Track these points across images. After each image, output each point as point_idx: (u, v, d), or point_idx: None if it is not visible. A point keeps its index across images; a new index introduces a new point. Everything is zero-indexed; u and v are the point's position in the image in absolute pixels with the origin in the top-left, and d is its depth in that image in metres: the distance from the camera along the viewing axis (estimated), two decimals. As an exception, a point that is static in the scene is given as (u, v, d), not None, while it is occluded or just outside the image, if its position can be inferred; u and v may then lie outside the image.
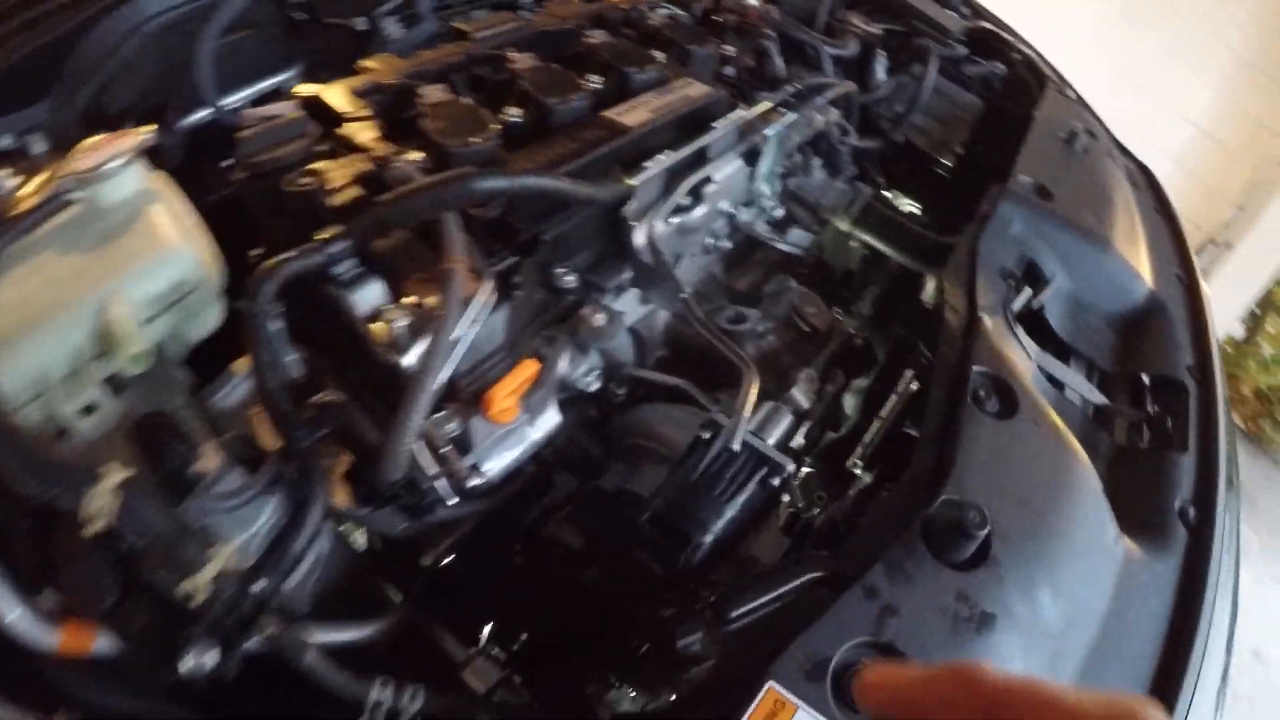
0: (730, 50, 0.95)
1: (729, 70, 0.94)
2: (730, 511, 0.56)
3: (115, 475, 0.42)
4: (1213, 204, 3.66)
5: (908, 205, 1.58)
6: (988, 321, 0.73)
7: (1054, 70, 1.67)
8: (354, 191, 0.58)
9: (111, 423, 0.52)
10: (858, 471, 0.77)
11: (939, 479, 0.52)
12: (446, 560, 0.65)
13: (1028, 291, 0.87)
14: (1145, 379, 0.88)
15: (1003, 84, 1.52)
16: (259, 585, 0.44)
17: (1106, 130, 1.59)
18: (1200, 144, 3.69)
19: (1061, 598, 0.53)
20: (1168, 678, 0.58)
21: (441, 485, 0.52)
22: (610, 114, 0.71)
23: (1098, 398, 0.83)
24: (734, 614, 0.46)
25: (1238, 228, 3.44)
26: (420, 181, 0.52)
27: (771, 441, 0.63)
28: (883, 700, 0.31)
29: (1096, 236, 0.98)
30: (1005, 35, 1.66)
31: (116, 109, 0.88)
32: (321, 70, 1.03)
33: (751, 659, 0.42)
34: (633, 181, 0.64)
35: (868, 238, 1.05)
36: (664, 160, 0.68)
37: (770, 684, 0.40)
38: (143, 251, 0.54)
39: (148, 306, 0.53)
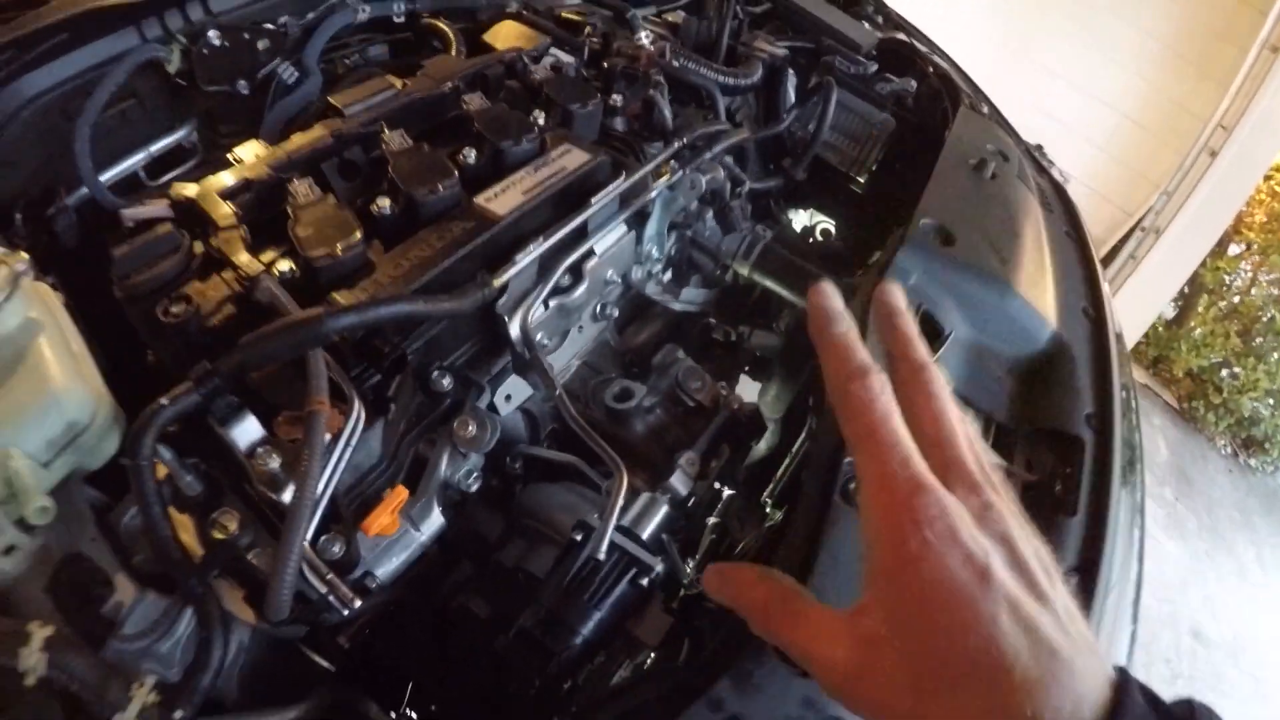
0: (618, 100, 1.01)
1: (618, 122, 1.01)
2: (599, 614, 0.65)
3: (40, 633, 0.50)
4: (1140, 189, 4.01)
5: (822, 223, 1.66)
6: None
7: (968, 82, 1.76)
8: (225, 314, 0.65)
9: (31, 559, 0.59)
10: (768, 509, 0.86)
11: (799, 578, 0.61)
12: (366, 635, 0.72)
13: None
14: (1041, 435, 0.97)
15: (915, 100, 1.60)
16: (176, 716, 0.52)
17: (1020, 144, 1.69)
18: (1126, 130, 4.08)
19: None
20: None
21: (332, 601, 0.59)
22: (481, 199, 0.78)
23: (992, 457, 0.92)
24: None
25: (1166, 213, 3.71)
26: (274, 325, 0.60)
27: (647, 534, 0.71)
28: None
29: (998, 281, 1.04)
30: (919, 46, 1.75)
31: (7, 196, 0.91)
32: (217, 124, 1.08)
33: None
34: (499, 281, 0.70)
35: (767, 281, 1.13)
36: (535, 249, 0.75)
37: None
38: (32, 400, 0.60)
39: (44, 452, 0.59)
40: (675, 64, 1.14)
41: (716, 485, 0.90)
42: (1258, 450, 3.87)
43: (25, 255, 0.69)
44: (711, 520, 0.88)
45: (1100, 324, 1.19)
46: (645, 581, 0.67)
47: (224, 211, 0.75)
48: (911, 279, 0.98)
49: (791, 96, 1.48)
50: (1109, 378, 1.08)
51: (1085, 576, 0.80)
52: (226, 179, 0.78)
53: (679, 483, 0.77)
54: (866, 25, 1.81)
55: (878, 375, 0.44)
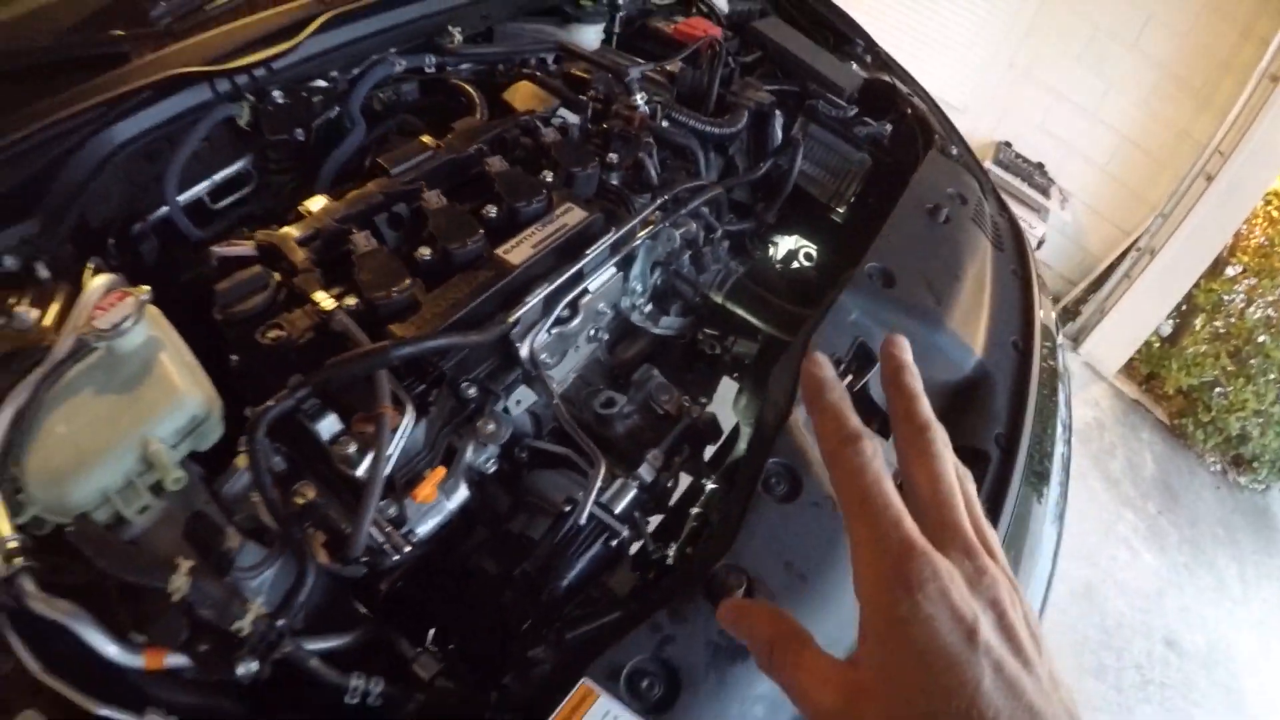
0: (614, 158, 1.28)
1: (614, 176, 1.27)
2: (579, 565, 0.92)
3: (185, 564, 0.75)
4: (1138, 209, 4.24)
5: (806, 248, 1.92)
6: (799, 412, 1.07)
7: (944, 122, 2.00)
8: (309, 339, 0.92)
9: (159, 516, 0.86)
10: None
11: (723, 549, 0.87)
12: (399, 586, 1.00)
13: (850, 377, 1.21)
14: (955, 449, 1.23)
15: (891, 140, 1.85)
16: (279, 624, 0.78)
17: (987, 183, 1.93)
18: (1126, 151, 4.33)
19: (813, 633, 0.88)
20: None
21: (387, 549, 0.86)
22: (500, 251, 1.05)
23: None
24: (569, 636, 0.81)
25: (1162, 234, 3.93)
26: (354, 353, 0.87)
27: (619, 510, 0.97)
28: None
29: (930, 317, 1.29)
30: (900, 87, 1.99)
31: (98, 223, 1.19)
32: (269, 157, 1.36)
33: (576, 665, 0.76)
34: (513, 317, 0.97)
35: (738, 309, 1.39)
36: (541, 292, 1.02)
37: (583, 680, 0.75)
38: (163, 400, 0.87)
39: (172, 438, 0.86)
40: (664, 124, 1.40)
41: (703, 481, 1.17)
42: (1246, 469, 4.08)
43: (147, 287, 0.95)
44: (694, 510, 1.12)
45: (1027, 355, 1.44)
46: (615, 543, 0.94)
47: (301, 256, 1.02)
48: (852, 315, 1.23)
49: (779, 136, 1.74)
50: (1024, 402, 1.32)
51: None
52: (301, 229, 1.05)
53: (645, 472, 1.04)
54: (855, 65, 2.06)
55: (869, 441, 0.49)
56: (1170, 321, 4.31)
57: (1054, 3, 4.32)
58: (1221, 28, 3.84)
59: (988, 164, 4.45)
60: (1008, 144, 4.64)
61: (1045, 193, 4.37)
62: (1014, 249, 1.72)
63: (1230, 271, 4.14)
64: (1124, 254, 4.22)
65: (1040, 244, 4.29)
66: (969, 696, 0.39)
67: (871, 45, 2.17)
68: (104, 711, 0.74)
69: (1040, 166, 4.56)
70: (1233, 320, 4.09)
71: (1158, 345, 4.27)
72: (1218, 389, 4.05)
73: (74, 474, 0.82)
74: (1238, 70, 3.78)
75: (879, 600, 0.43)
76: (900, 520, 0.45)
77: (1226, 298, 4.11)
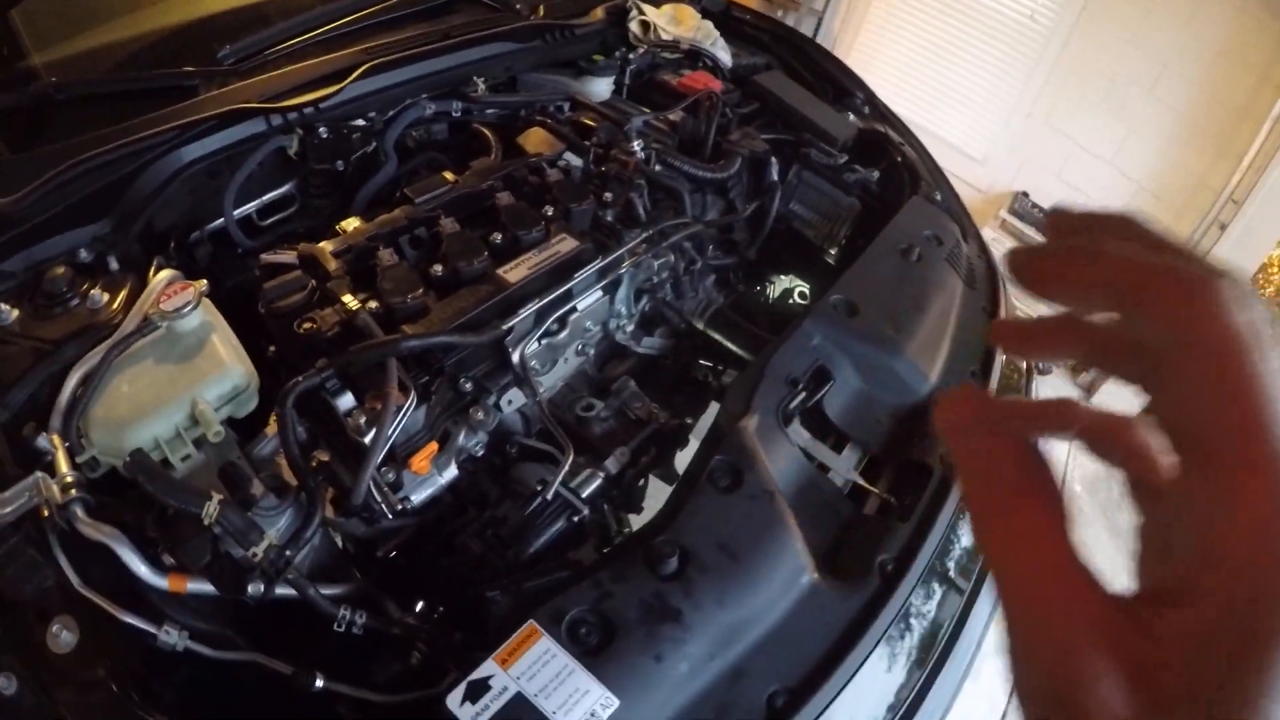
0: (609, 197, 1.50)
1: (608, 213, 1.49)
2: (545, 533, 1.13)
3: (217, 497, 0.97)
4: None
5: (799, 286, 2.12)
6: (752, 421, 1.27)
7: (933, 169, 2.18)
8: (335, 332, 1.14)
9: (199, 465, 1.08)
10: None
11: (664, 526, 1.07)
12: (392, 555, 1.21)
13: (804, 394, 1.40)
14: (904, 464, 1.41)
15: (880, 185, 2.04)
16: (287, 554, 0.99)
17: (968, 229, 2.11)
18: (1142, 200, 4.37)
19: (738, 607, 1.05)
20: (822, 669, 1.05)
21: (383, 507, 1.07)
22: (501, 270, 1.27)
23: (853, 476, 1.37)
24: (525, 586, 1.02)
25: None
26: (372, 341, 1.09)
27: (585, 494, 1.18)
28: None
29: (888, 345, 1.47)
30: (892, 136, 2.19)
31: (163, 228, 1.44)
32: (310, 182, 1.60)
33: (526, 609, 0.96)
34: (507, 325, 1.19)
35: (717, 336, 1.60)
36: (533, 306, 1.24)
37: (530, 621, 0.95)
38: (212, 370, 1.10)
39: (216, 402, 1.08)
40: (657, 168, 1.63)
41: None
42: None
43: (204, 281, 1.18)
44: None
45: (983, 383, 1.62)
46: (577, 519, 1.15)
47: (334, 266, 1.25)
48: (814, 340, 1.42)
49: (774, 179, 1.96)
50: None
51: (900, 563, 1.18)
52: (336, 244, 1.29)
53: (611, 465, 1.25)
54: (852, 116, 2.26)
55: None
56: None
57: (1072, 52, 4.46)
58: (1238, 73, 3.91)
59: (1004, 214, 4.63)
60: (1025, 194, 4.75)
61: (1060, 243, 4.46)
62: (987, 288, 1.89)
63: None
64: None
65: (1053, 295, 4.39)
66: None
67: (871, 98, 2.36)
68: (129, 619, 0.95)
69: (1054, 214, 4.65)
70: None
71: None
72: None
73: (132, 422, 1.05)
74: (1254, 117, 3.84)
75: None
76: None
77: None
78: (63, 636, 0.91)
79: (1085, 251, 0.34)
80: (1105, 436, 0.33)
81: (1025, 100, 4.72)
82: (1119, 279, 0.32)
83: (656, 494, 1.38)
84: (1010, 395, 0.47)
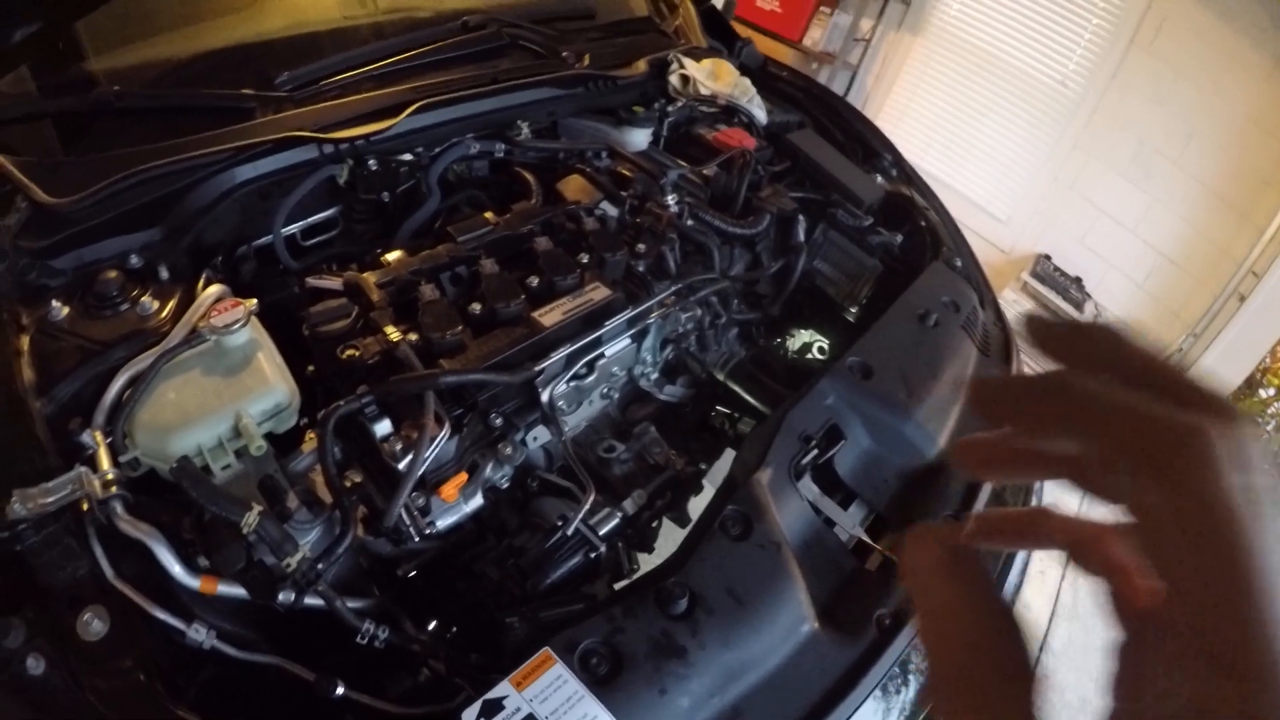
0: (641, 249, 1.59)
1: (640, 264, 1.58)
2: (563, 566, 1.21)
3: (256, 508, 1.05)
4: (1173, 328, 4.36)
5: (819, 342, 2.20)
6: (766, 474, 1.34)
7: (956, 234, 2.26)
8: (376, 361, 1.23)
9: (238, 474, 1.16)
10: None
11: (675, 569, 1.15)
12: (412, 575, 1.28)
13: (816, 451, 1.48)
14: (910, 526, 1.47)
15: (901, 249, 2.12)
16: (319, 567, 1.07)
17: (986, 297, 2.17)
18: (1164, 269, 4.44)
19: (740, 650, 1.13)
20: (816, 715, 1.12)
21: (411, 530, 1.15)
22: (537, 314, 1.35)
23: (858, 532, 1.43)
24: (542, 615, 1.10)
25: (1192, 354, 4.08)
26: (412, 374, 1.18)
27: (603, 532, 1.26)
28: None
29: (900, 408, 1.55)
30: (918, 200, 2.27)
31: (211, 243, 1.53)
32: (353, 216, 1.70)
33: (542, 637, 1.04)
34: (539, 367, 1.27)
35: (736, 388, 1.68)
36: (564, 350, 1.33)
37: (545, 648, 1.02)
38: (257, 386, 1.18)
39: (259, 417, 1.17)
40: (689, 223, 1.71)
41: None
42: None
43: (254, 300, 1.27)
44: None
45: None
46: (594, 555, 1.23)
47: (377, 296, 1.33)
48: (829, 399, 1.50)
49: (801, 237, 2.04)
50: (977, 490, 1.58)
51: (896, 619, 1.23)
52: (380, 275, 1.37)
53: (629, 505, 1.33)
54: (880, 178, 2.34)
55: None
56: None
57: (1101, 117, 4.55)
58: (1265, 142, 3.98)
59: (1025, 276, 4.72)
60: (1047, 257, 4.85)
61: (1080, 307, 4.56)
62: (1001, 356, 1.96)
63: (1263, 394, 4.26)
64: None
65: (1072, 359, 4.44)
66: None
67: (899, 160, 2.45)
68: (159, 614, 1.02)
69: (1078, 281, 4.76)
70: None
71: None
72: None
73: (177, 429, 1.13)
74: (1278, 187, 3.92)
75: None
76: None
77: (1259, 419, 4.21)
78: (93, 625, 0.97)
79: (1064, 389, 0.33)
80: (1084, 550, 0.34)
81: (1052, 164, 4.82)
82: (1102, 427, 0.31)
83: (668, 535, 1.46)
84: (989, 511, 0.41)
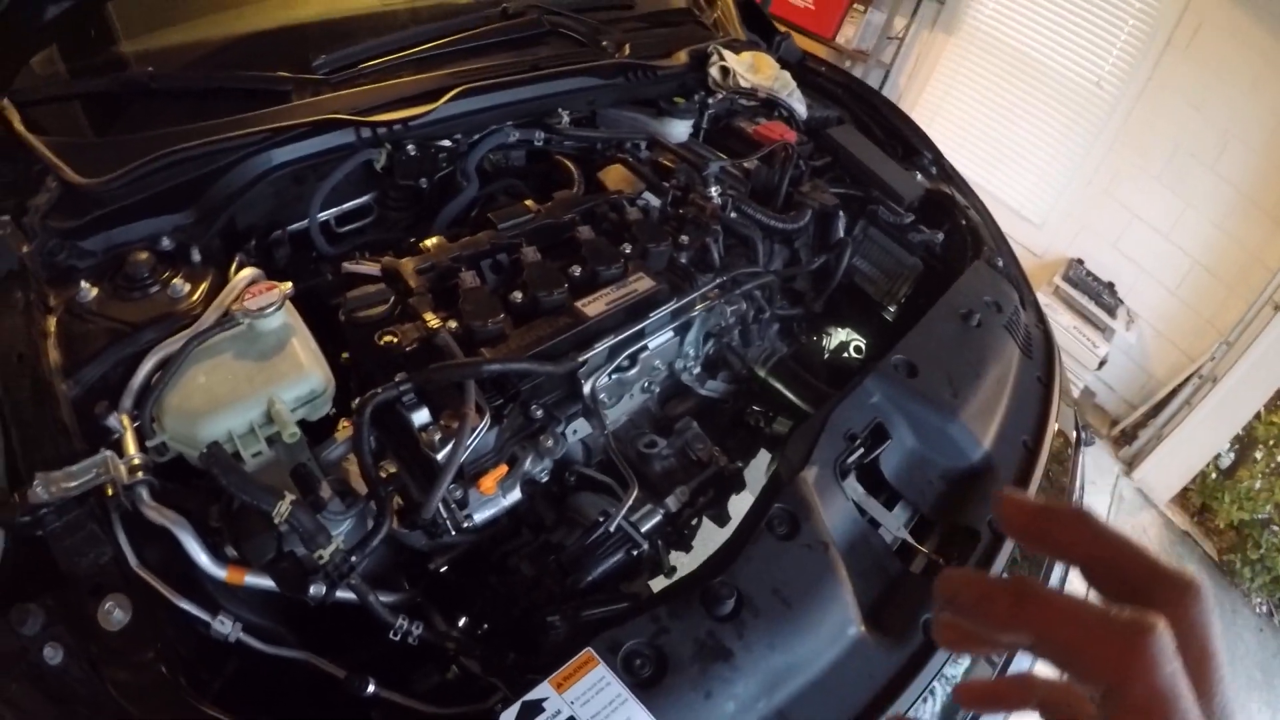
0: (685, 240, 1.54)
1: (683, 255, 1.53)
2: (604, 564, 1.16)
3: (289, 496, 1.01)
4: (1206, 335, 4.32)
5: (855, 341, 2.15)
6: (811, 472, 1.29)
7: (996, 234, 2.20)
8: (415, 348, 1.18)
9: (269, 462, 1.12)
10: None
11: (722, 569, 1.10)
12: (444, 569, 1.24)
13: (861, 450, 1.43)
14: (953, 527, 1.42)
15: (942, 248, 2.07)
16: (352, 559, 1.02)
17: (1027, 297, 2.12)
18: (1197, 276, 4.39)
19: (787, 653, 1.08)
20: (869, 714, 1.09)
21: (448, 523, 1.11)
22: (580, 303, 1.31)
23: (903, 534, 1.38)
24: (584, 615, 1.05)
25: (1225, 362, 4.02)
26: (454, 362, 1.13)
27: (645, 529, 1.21)
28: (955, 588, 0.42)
29: (945, 408, 1.50)
30: (958, 198, 2.22)
31: (244, 226, 1.49)
32: (389, 202, 1.65)
33: (584, 637, 0.99)
34: (582, 359, 1.23)
35: (778, 385, 1.63)
36: (608, 342, 1.28)
37: (588, 649, 0.98)
38: (291, 371, 1.14)
39: (293, 404, 1.12)
40: (732, 215, 1.67)
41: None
42: (1293, 612, 4.04)
43: (289, 284, 1.22)
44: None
45: (1034, 454, 1.63)
46: (635, 553, 1.18)
47: (416, 282, 1.29)
48: (874, 398, 1.45)
49: (840, 233, 1.99)
50: (1001, 543, 1.51)
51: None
52: (419, 261, 1.33)
53: (671, 503, 1.28)
54: (919, 176, 2.29)
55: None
56: (1231, 453, 4.34)
57: (1136, 120, 4.48)
58: None
59: (1057, 280, 4.65)
60: (1080, 261, 4.79)
61: (1112, 313, 4.49)
62: (1043, 358, 1.90)
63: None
64: (1186, 380, 4.28)
65: (1103, 364, 4.40)
66: None
67: (938, 158, 2.40)
68: (184, 604, 0.98)
69: (1110, 286, 4.69)
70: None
71: (1214, 476, 4.30)
72: (1274, 525, 4.04)
73: (207, 414, 1.09)
74: None
75: None
76: None
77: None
78: (114, 614, 0.93)
79: (1021, 595, 0.39)
80: (1059, 711, 0.41)
81: (1086, 168, 4.76)
82: (1055, 631, 0.38)
83: (706, 534, 1.41)
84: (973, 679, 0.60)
